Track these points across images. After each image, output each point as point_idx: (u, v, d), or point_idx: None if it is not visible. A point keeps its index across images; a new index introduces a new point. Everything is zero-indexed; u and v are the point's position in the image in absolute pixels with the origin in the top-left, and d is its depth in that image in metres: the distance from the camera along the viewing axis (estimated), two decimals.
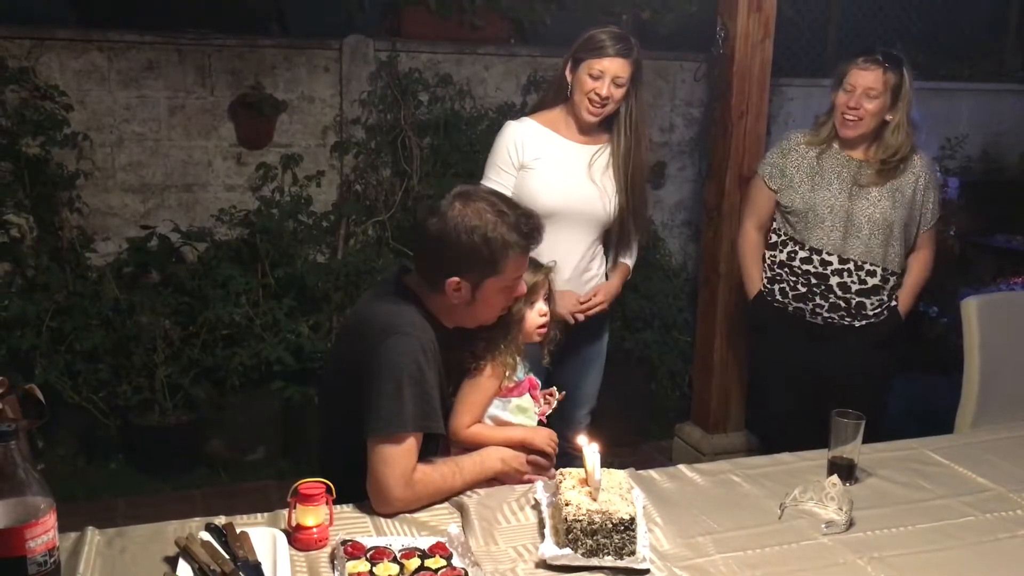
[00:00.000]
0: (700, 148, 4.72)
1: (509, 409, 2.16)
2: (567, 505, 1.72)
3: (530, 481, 2.05)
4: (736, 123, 3.70)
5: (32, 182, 3.73)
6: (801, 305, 3.03)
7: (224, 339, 3.81)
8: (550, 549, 1.70)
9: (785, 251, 3.06)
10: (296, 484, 1.74)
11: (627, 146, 2.74)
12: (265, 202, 4.08)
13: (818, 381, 3.06)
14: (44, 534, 1.41)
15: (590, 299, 2.80)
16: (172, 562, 1.63)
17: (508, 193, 2.69)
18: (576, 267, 2.78)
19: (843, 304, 2.99)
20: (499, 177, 2.75)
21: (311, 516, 1.73)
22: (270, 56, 4.11)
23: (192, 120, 4.07)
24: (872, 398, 2.99)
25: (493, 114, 4.26)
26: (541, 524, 1.82)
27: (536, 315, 2.17)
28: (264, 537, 1.71)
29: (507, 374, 2.11)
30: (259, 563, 1.62)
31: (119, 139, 3.99)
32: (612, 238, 2.87)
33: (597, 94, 2.65)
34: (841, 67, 2.97)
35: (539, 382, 2.25)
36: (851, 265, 2.96)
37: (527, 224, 1.94)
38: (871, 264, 2.96)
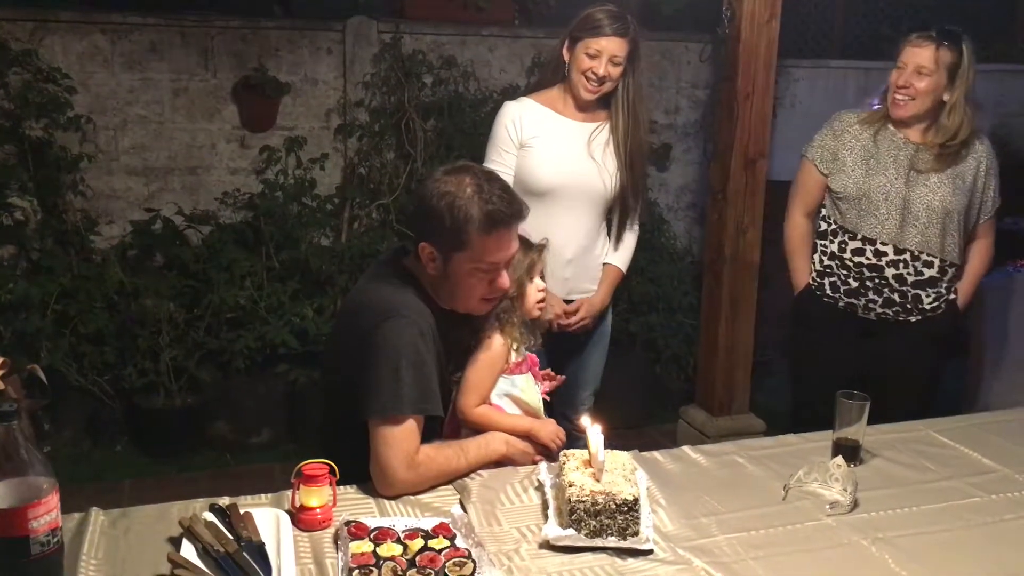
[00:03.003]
0: (705, 130, 4.70)
1: (518, 386, 2.16)
2: (570, 486, 1.72)
3: (535, 462, 2.05)
4: (742, 104, 3.67)
5: (36, 165, 3.73)
6: (853, 301, 2.86)
7: (229, 322, 3.82)
8: (553, 530, 1.70)
9: (836, 242, 2.87)
10: (300, 465, 1.74)
11: (625, 125, 2.73)
12: (269, 185, 4.08)
13: (866, 379, 2.75)
14: (47, 514, 1.41)
15: (574, 311, 2.78)
16: (176, 542, 1.63)
17: (511, 173, 2.69)
18: (580, 246, 2.77)
19: (898, 298, 2.81)
20: (500, 158, 2.74)
21: (315, 497, 1.73)
22: (273, 38, 4.09)
23: (195, 103, 4.06)
24: (922, 395, 2.86)
25: (497, 96, 4.23)
26: (544, 505, 1.82)
27: (535, 291, 2.19)
28: (268, 518, 1.71)
29: (514, 347, 2.12)
30: (263, 543, 1.62)
31: (123, 122, 3.98)
32: (613, 217, 2.86)
33: (594, 73, 2.64)
34: (899, 43, 2.78)
35: (538, 360, 2.26)
36: (907, 256, 2.78)
37: (494, 204, 1.90)
38: (928, 255, 2.78)
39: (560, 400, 2.84)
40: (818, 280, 2.94)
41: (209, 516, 1.69)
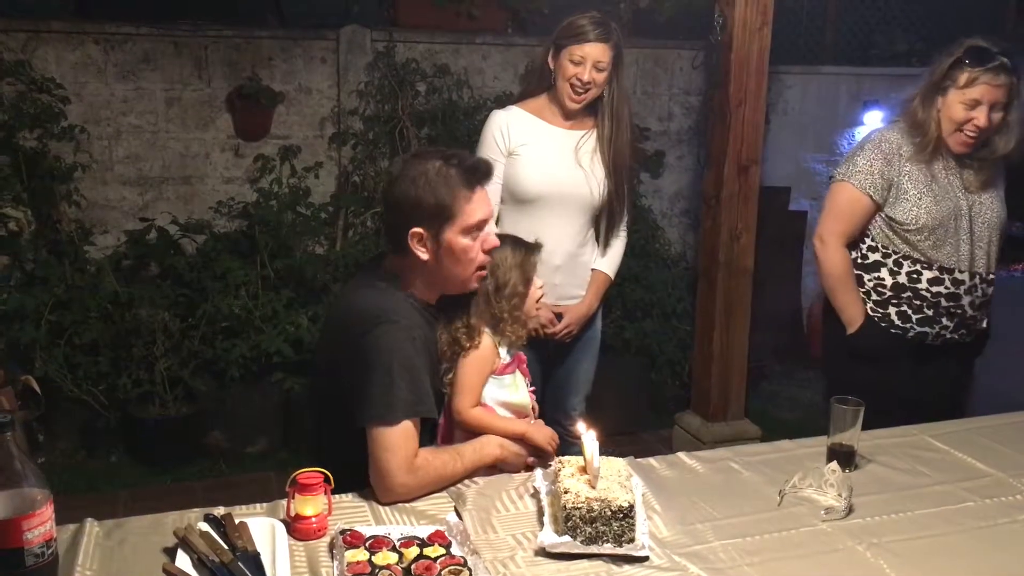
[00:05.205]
0: (698, 137, 4.71)
1: (506, 386, 2.18)
2: (566, 493, 1.72)
3: (528, 465, 2.06)
4: (734, 111, 3.69)
5: (30, 175, 3.72)
6: (926, 329, 2.66)
7: (223, 331, 3.81)
8: (549, 537, 1.70)
9: (903, 271, 2.65)
10: (294, 474, 1.74)
11: (610, 131, 2.75)
12: (263, 194, 4.08)
13: (916, 395, 2.71)
14: (41, 525, 1.41)
15: (558, 321, 2.78)
16: (171, 553, 1.63)
17: (499, 181, 2.70)
18: (568, 253, 2.78)
19: (969, 321, 2.68)
20: None
21: (310, 506, 1.73)
22: (267, 47, 4.10)
23: (189, 112, 4.06)
24: (957, 405, 2.82)
25: (491, 104, 4.24)
26: (540, 512, 1.82)
27: (536, 289, 2.25)
28: (263, 527, 1.71)
29: (503, 346, 2.17)
30: (258, 553, 1.62)
31: (116, 132, 3.98)
32: (600, 223, 2.86)
33: (579, 79, 2.66)
34: (957, 71, 2.52)
35: (525, 357, 2.29)
36: (977, 279, 2.65)
37: (466, 162, 1.96)
38: (989, 274, 2.68)
39: (552, 406, 2.85)
40: (879, 310, 2.69)
41: (204, 526, 1.68)
